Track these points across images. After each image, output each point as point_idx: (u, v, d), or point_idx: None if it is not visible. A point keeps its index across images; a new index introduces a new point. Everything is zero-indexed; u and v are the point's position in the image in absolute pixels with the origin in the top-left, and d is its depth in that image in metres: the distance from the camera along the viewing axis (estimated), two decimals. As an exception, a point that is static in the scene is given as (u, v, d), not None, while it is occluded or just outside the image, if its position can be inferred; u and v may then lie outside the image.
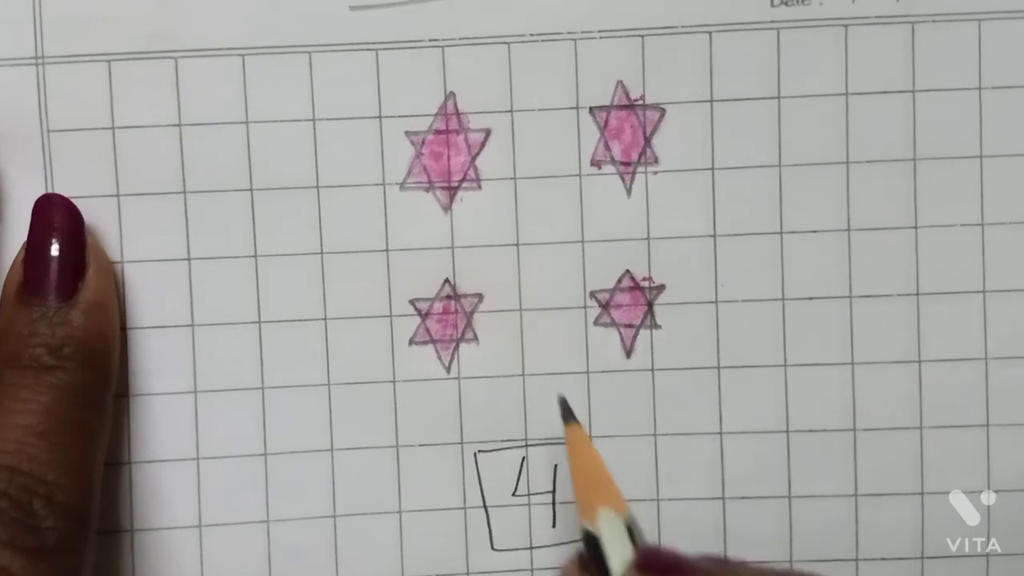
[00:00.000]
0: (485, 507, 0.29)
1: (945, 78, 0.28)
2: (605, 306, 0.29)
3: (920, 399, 0.28)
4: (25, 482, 0.24)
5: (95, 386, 0.26)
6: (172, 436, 0.28)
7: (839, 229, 0.28)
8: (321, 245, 0.28)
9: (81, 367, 0.25)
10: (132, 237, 0.28)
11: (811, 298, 0.28)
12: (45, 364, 0.25)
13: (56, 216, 0.27)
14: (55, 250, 0.26)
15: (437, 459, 0.29)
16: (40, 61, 0.27)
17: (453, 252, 0.28)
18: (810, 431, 0.29)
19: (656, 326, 0.29)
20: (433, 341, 0.29)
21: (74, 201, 0.27)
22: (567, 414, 0.27)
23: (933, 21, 0.28)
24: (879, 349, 0.28)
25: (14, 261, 0.26)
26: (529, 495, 0.29)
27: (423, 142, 0.28)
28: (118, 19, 0.27)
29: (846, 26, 0.28)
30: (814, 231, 0.28)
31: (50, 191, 0.28)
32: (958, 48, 0.28)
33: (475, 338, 0.29)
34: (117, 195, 0.28)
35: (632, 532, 0.23)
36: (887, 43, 0.28)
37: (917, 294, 0.28)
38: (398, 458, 0.29)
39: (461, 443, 0.29)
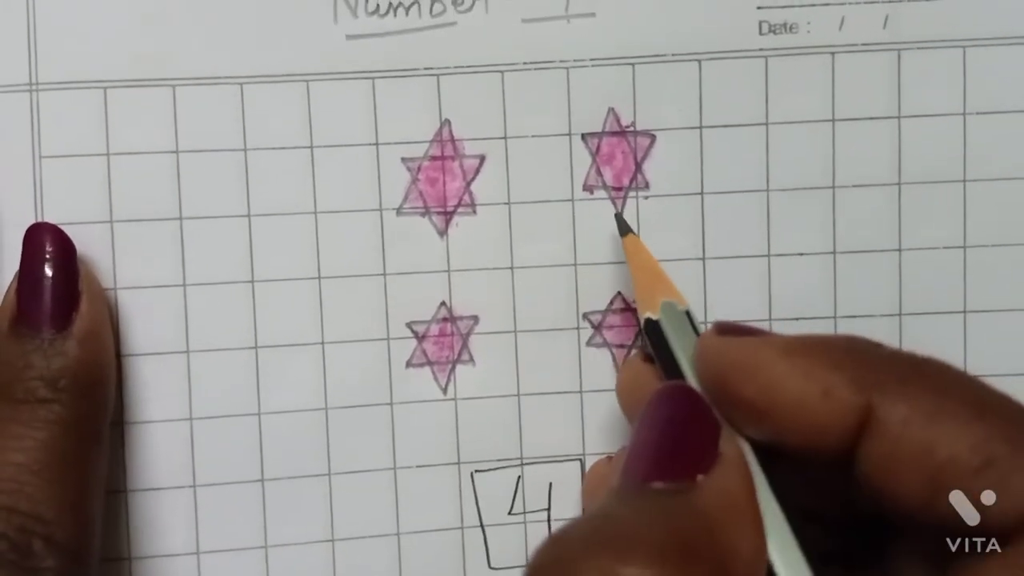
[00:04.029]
0: (482, 526, 0.27)
1: (930, 104, 0.27)
2: (598, 327, 0.27)
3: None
4: (23, 522, 0.22)
5: (92, 418, 0.24)
6: (168, 463, 0.26)
7: (825, 252, 0.27)
8: (318, 270, 0.27)
9: (77, 399, 0.23)
10: (126, 263, 0.26)
11: (798, 318, 0.27)
12: (41, 397, 0.23)
13: (47, 245, 0.25)
14: (47, 280, 0.24)
15: (434, 480, 0.27)
16: (34, 87, 0.26)
17: (449, 275, 0.27)
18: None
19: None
20: (430, 363, 0.27)
21: (67, 227, 0.25)
22: (623, 227, 0.26)
23: (918, 48, 0.27)
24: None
25: (6, 292, 0.24)
26: (525, 513, 0.28)
27: (419, 168, 0.27)
28: (114, 46, 0.26)
29: (833, 53, 0.27)
30: (801, 253, 0.27)
31: (41, 218, 0.26)
32: (943, 74, 0.27)
33: (471, 359, 0.27)
34: (111, 221, 0.26)
35: (691, 319, 0.23)
36: (873, 70, 0.27)
37: (900, 314, 0.27)
38: (395, 480, 0.27)
39: (458, 463, 0.27)
